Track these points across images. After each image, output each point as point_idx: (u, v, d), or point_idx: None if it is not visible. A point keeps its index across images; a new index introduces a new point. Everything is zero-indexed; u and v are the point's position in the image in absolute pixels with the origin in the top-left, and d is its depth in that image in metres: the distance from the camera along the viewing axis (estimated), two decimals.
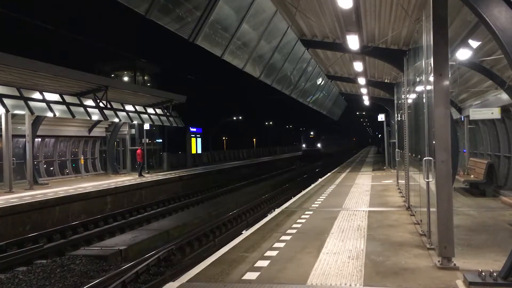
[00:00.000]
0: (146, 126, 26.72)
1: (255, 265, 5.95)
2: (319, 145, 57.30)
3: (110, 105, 20.45)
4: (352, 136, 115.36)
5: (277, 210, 10.80)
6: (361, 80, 19.06)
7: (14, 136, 17.58)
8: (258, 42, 13.30)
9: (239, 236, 8.00)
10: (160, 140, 38.08)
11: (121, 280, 8.21)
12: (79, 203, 15.50)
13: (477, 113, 12.06)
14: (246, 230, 10.10)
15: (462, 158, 15.48)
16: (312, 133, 60.31)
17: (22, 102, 16.40)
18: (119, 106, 22.40)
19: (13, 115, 16.82)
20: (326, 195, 13.44)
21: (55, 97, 18.15)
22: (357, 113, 66.16)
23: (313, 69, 20.17)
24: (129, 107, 23.48)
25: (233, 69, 14.13)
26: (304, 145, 57.81)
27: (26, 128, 17.69)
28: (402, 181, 12.30)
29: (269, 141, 72.48)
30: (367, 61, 16.28)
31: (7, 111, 15.64)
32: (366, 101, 27.98)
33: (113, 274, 8.75)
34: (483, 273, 4.74)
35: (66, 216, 14.73)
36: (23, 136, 18.06)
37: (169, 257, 10.27)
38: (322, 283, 5.11)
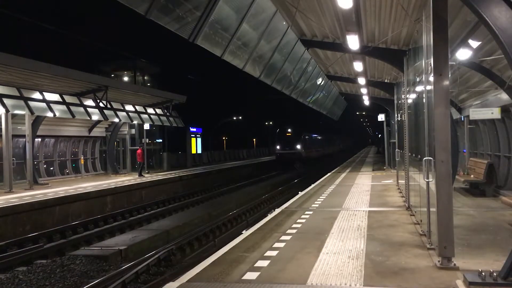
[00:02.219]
0: (146, 126, 26.73)
1: (255, 265, 5.95)
2: (298, 146, 42.16)
3: (110, 105, 20.45)
4: (349, 135, 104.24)
5: (277, 210, 10.81)
6: (361, 80, 19.04)
7: (14, 136, 17.58)
8: (258, 42, 13.30)
9: (239, 236, 8.01)
10: (160, 140, 38.11)
11: (121, 280, 8.21)
12: (79, 203, 15.49)
13: (477, 113, 12.06)
14: (246, 230, 10.10)
15: (462, 158, 15.47)
16: (289, 130, 43.91)
17: (22, 102, 16.40)
18: (119, 106, 22.40)
19: (13, 115, 16.81)
20: (326, 195, 13.44)
21: (55, 97, 18.16)
22: (357, 113, 64.72)
23: (313, 69, 20.17)
24: (129, 107, 23.48)
25: (233, 69, 14.14)
26: (278, 147, 42.82)
27: (26, 128, 17.69)
28: (402, 181, 12.30)
29: (269, 141, 72.17)
30: (367, 61, 16.27)
31: (7, 111, 15.64)
32: (366, 101, 27.96)
33: (113, 274, 8.75)
34: (483, 273, 4.74)
35: (66, 216, 14.73)
36: (23, 136, 18.06)
37: (169, 257, 10.27)
38: (322, 283, 5.11)
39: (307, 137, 45.96)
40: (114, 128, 25.34)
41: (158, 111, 26.42)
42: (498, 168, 13.04)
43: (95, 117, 20.49)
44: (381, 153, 39.11)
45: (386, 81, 19.16)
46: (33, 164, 18.49)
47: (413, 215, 8.99)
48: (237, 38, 11.98)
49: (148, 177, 22.79)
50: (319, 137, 56.66)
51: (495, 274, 4.71)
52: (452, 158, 5.50)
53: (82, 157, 24.34)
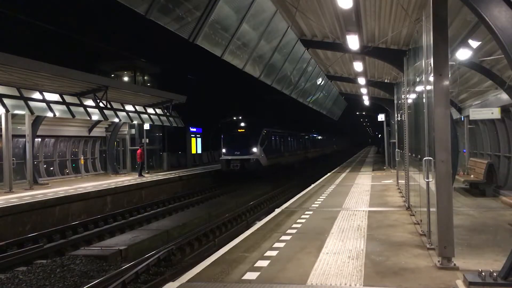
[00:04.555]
0: (146, 126, 26.74)
1: (255, 265, 5.95)
2: (255, 149, 27.53)
3: (110, 105, 20.46)
4: (348, 134, 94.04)
5: (277, 210, 10.81)
6: (361, 80, 19.06)
7: (14, 136, 17.58)
8: (258, 42, 13.30)
9: (239, 236, 8.01)
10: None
11: (121, 280, 8.21)
12: (79, 203, 15.50)
13: (477, 113, 12.07)
14: (246, 230, 10.09)
15: (462, 158, 15.48)
16: (243, 124, 29.40)
17: (22, 102, 16.41)
18: (119, 106, 22.41)
19: (13, 115, 16.82)
20: (326, 195, 13.44)
21: (55, 97, 18.16)
22: (357, 113, 64.21)
23: (313, 69, 20.18)
24: (129, 107, 23.49)
25: (233, 69, 14.14)
26: (224, 150, 28.47)
27: (26, 128, 17.69)
28: (402, 181, 12.30)
29: None
30: (367, 61, 16.29)
31: (7, 111, 15.64)
32: (366, 101, 27.99)
33: (113, 274, 8.75)
34: (483, 273, 4.74)
35: (66, 216, 14.73)
36: (23, 136, 18.07)
37: (169, 257, 10.27)
38: (322, 283, 5.11)
39: (273, 134, 30.95)
40: (114, 128, 25.34)
41: (158, 111, 26.43)
42: (498, 168, 13.04)
43: (95, 117, 20.49)
44: (381, 153, 39.07)
45: (386, 81, 19.17)
46: (33, 164, 18.49)
47: (413, 215, 8.99)
48: (237, 38, 11.99)
49: (148, 177, 22.79)
50: (298, 135, 40.20)
51: (495, 274, 4.71)
52: (452, 158, 5.50)
53: (82, 157, 24.34)
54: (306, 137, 44.92)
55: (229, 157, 27.66)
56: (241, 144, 27.82)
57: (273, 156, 29.93)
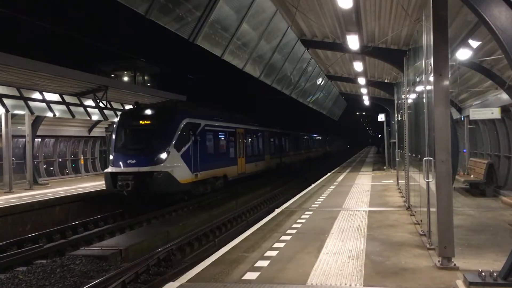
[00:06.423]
0: None
1: (255, 265, 5.95)
2: (164, 155, 15.14)
3: (110, 105, 20.44)
4: (346, 133, 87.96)
5: (277, 210, 10.80)
6: (361, 80, 19.08)
7: (14, 136, 17.59)
8: (258, 42, 13.31)
9: (239, 236, 8.00)
10: None
11: (121, 280, 8.21)
12: (79, 203, 15.48)
13: (477, 113, 12.07)
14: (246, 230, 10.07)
15: (462, 158, 15.48)
16: (147, 112, 16.33)
17: (22, 102, 16.43)
18: (119, 106, 22.41)
19: (13, 115, 16.82)
20: (326, 195, 13.44)
21: (55, 97, 18.16)
22: (357, 113, 64.09)
23: (313, 69, 20.19)
24: (129, 107, 23.48)
25: (233, 69, 14.15)
26: (112, 157, 15.67)
27: (26, 128, 17.70)
28: (402, 181, 12.31)
29: None
30: (367, 61, 16.30)
31: (7, 111, 15.65)
32: (366, 101, 28.00)
33: (113, 274, 8.74)
34: (483, 273, 4.74)
35: (66, 216, 14.73)
36: (23, 136, 18.07)
37: (169, 257, 10.27)
38: (322, 283, 5.11)
39: (209, 129, 18.45)
40: None
41: None
42: (498, 168, 13.04)
43: (95, 117, 20.51)
44: (381, 153, 39.05)
45: (386, 81, 19.18)
46: (33, 164, 18.50)
47: (413, 215, 8.99)
48: (237, 38, 11.99)
49: None
50: (265, 132, 27.20)
51: (495, 274, 4.71)
52: (452, 158, 5.50)
53: (82, 157, 24.35)
54: (280, 135, 31.11)
55: (116, 169, 15.39)
56: (138, 147, 15.71)
57: (205, 166, 17.51)
